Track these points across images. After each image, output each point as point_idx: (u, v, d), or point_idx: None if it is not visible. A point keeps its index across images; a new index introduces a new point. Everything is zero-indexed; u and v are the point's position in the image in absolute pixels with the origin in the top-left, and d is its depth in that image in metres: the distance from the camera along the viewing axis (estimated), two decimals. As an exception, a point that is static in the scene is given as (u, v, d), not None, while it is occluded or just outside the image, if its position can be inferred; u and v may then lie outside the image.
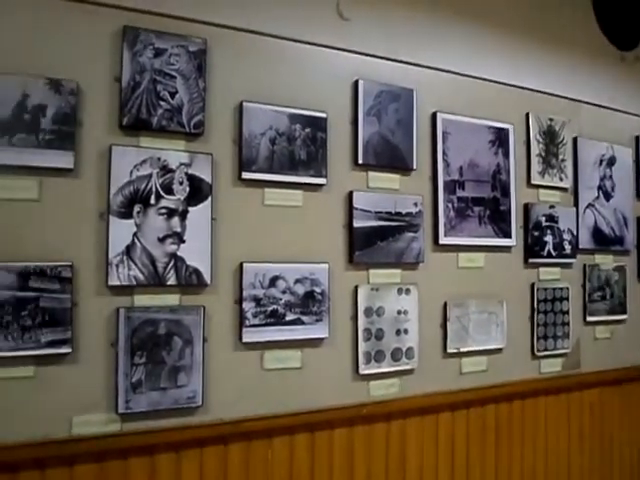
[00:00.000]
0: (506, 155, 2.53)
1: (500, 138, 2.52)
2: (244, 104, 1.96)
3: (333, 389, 2.10)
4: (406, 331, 2.22)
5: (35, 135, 1.69)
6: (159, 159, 1.82)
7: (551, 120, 2.69)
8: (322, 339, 2.07)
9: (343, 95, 2.19)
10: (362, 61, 2.24)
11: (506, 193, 2.52)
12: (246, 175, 1.95)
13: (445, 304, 2.35)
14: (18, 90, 1.68)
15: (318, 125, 2.07)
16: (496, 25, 2.58)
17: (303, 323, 2.00)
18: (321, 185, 2.09)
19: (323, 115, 2.08)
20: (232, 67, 1.99)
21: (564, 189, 2.76)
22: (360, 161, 2.16)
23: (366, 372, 2.14)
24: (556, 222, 2.66)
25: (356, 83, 2.19)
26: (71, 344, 1.71)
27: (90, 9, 1.81)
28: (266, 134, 1.98)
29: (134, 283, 1.77)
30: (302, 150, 2.04)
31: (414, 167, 2.28)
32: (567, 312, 2.69)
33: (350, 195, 2.14)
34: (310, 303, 2.02)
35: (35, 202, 1.71)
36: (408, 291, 2.23)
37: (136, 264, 1.77)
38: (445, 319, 2.35)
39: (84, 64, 1.79)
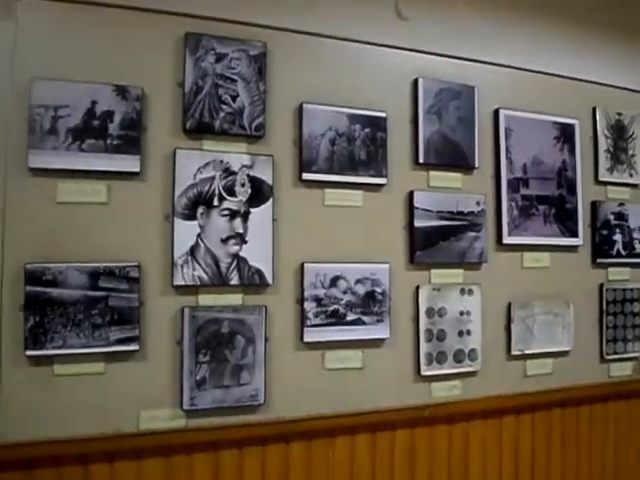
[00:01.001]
0: (572, 151, 2.45)
1: (565, 134, 2.44)
2: (304, 105, 1.97)
3: (394, 390, 2.09)
4: (469, 332, 2.18)
5: (103, 140, 1.76)
6: (221, 162, 1.86)
7: (619, 114, 2.59)
8: (383, 339, 2.06)
9: (403, 94, 2.17)
10: (421, 59, 2.22)
11: (572, 191, 2.43)
12: (306, 176, 1.96)
13: (509, 305, 2.29)
14: (87, 97, 1.76)
15: (378, 125, 2.06)
16: (560, 18, 2.50)
17: (364, 323, 2.00)
18: (381, 185, 2.08)
19: (383, 115, 2.07)
20: (292, 69, 2.01)
21: (634, 186, 2.64)
22: (421, 160, 2.14)
23: (428, 373, 2.11)
24: (626, 220, 2.56)
25: (416, 82, 2.16)
26: (138, 342, 1.76)
27: (153, 17, 1.87)
28: (326, 135, 1.99)
29: (198, 283, 1.82)
30: (362, 150, 2.03)
31: (476, 165, 2.24)
32: (638, 314, 2.57)
33: (411, 195, 2.12)
34: (371, 303, 2.01)
35: (104, 205, 1.78)
36: (471, 291, 2.19)
37: (200, 264, 1.82)
38: (509, 320, 2.29)
39: (148, 70, 1.85)
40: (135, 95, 1.79)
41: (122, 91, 1.78)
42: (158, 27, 1.87)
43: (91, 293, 1.72)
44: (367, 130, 2.04)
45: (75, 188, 1.75)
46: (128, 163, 1.77)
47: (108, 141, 1.76)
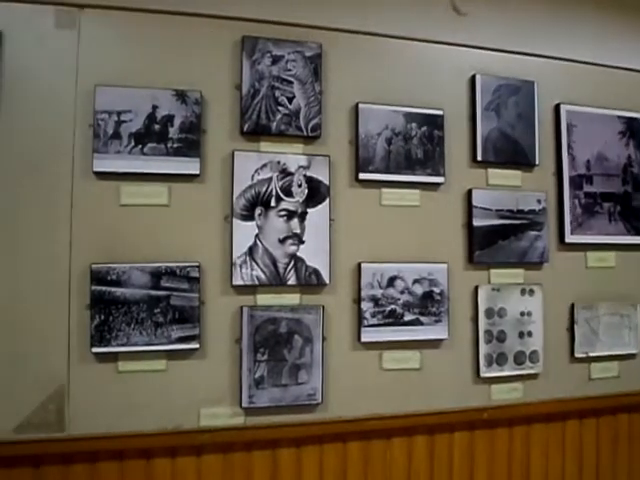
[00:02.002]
0: (638, 147, 2.35)
1: (631, 128, 2.34)
2: (360, 105, 1.97)
3: (453, 391, 2.06)
4: (530, 334, 2.12)
5: (164, 144, 1.81)
6: (279, 162, 1.88)
7: (689, 107, 2.46)
8: (441, 340, 2.03)
9: (460, 91, 2.14)
10: (479, 55, 2.17)
11: (639, 187, 2.33)
12: (363, 176, 1.96)
13: (572, 306, 2.22)
14: (148, 102, 1.81)
15: (434, 123, 2.04)
16: (623, 8, 2.40)
17: (422, 324, 1.98)
18: (439, 184, 2.05)
19: (439, 112, 2.05)
20: (347, 69, 2.01)
21: None
22: (479, 158, 2.10)
23: (487, 375, 2.07)
24: (696, 217, 2.43)
25: (473, 78, 2.13)
26: (199, 340, 1.80)
27: (211, 22, 1.91)
28: (382, 134, 1.98)
29: (256, 283, 1.84)
30: (419, 149, 2.01)
31: (537, 162, 2.18)
32: None
33: (469, 193, 2.08)
34: (429, 303, 1.99)
35: (165, 207, 1.83)
36: (532, 292, 2.13)
37: (258, 264, 1.84)
38: (572, 322, 2.22)
39: (207, 74, 1.89)
40: (194, 99, 1.83)
41: (181, 95, 1.82)
42: (215, 32, 1.91)
43: (153, 292, 1.76)
44: (424, 128, 2.02)
45: (138, 191, 1.80)
46: (188, 165, 1.81)
47: (169, 144, 1.80)
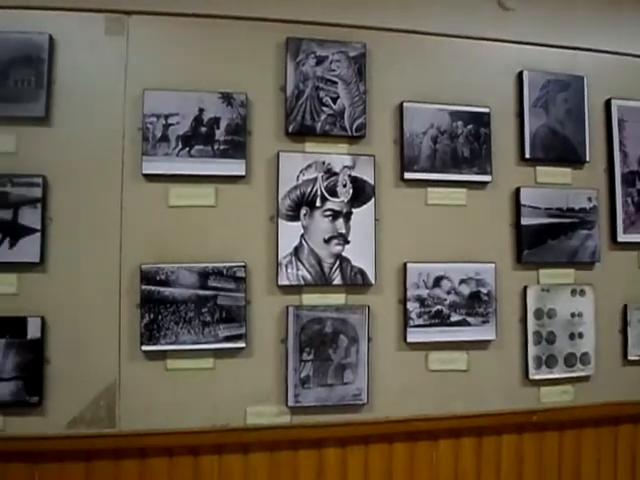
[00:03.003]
0: (693, 142, 2.26)
1: (686, 123, 2.25)
2: (404, 104, 1.95)
3: (501, 393, 2.02)
4: (581, 335, 2.06)
5: (211, 146, 1.83)
6: (323, 163, 1.88)
7: None
8: (489, 341, 2.00)
9: (507, 88, 2.10)
10: (526, 51, 2.13)
11: (695, 184, 2.25)
12: (408, 175, 1.94)
13: (625, 307, 2.15)
14: (195, 105, 1.84)
15: (481, 120, 2.01)
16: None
17: (469, 324, 1.95)
18: (486, 182, 2.02)
19: (486, 110, 2.02)
20: (391, 68, 2.00)
21: None
22: (527, 155, 2.06)
23: (537, 377, 2.02)
24: None
25: (520, 74, 2.09)
26: (245, 339, 1.82)
27: (255, 25, 1.93)
28: (427, 133, 1.96)
29: (302, 283, 1.85)
30: (465, 147, 1.98)
31: (587, 159, 2.12)
32: None
33: (517, 192, 2.04)
34: (476, 304, 1.96)
35: (212, 208, 1.85)
36: (583, 292, 2.07)
37: (304, 264, 1.85)
38: (625, 323, 2.15)
39: (252, 77, 1.91)
40: (240, 101, 1.85)
41: (227, 98, 1.85)
42: (260, 34, 1.93)
43: (201, 292, 1.79)
44: (470, 126, 1.99)
45: (185, 192, 1.83)
46: (234, 167, 1.83)
47: (215, 146, 1.83)
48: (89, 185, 1.81)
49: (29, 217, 1.75)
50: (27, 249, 1.75)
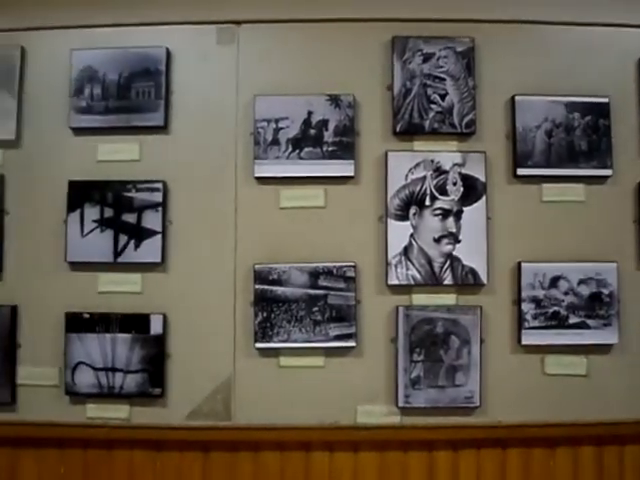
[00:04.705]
0: None
1: None
2: (516, 97, 1.89)
3: (625, 401, 1.89)
4: None
5: (320, 148, 1.86)
6: (432, 161, 1.86)
7: None
8: (611, 345, 1.88)
9: (627, 76, 1.97)
10: (647, 35, 1.99)
11: None
12: (521, 171, 1.87)
13: None
14: (304, 109, 1.88)
15: (599, 111, 1.90)
16: None
17: (588, 327, 1.85)
18: (606, 177, 1.90)
19: (605, 100, 1.90)
20: (501, 61, 1.94)
21: None
22: (652, 147, 1.92)
23: (664, 385, 1.89)
24: None
25: (642, 60, 1.96)
26: (355, 338, 1.83)
27: (360, 26, 1.94)
28: (541, 126, 1.88)
29: (412, 282, 1.84)
30: (582, 140, 1.88)
31: None
32: None
33: (640, 186, 1.92)
34: (596, 306, 1.85)
35: (322, 209, 1.89)
36: None
37: (413, 264, 1.83)
38: None
39: (358, 77, 1.92)
40: (347, 102, 1.87)
41: (335, 100, 1.87)
42: (365, 34, 1.94)
43: (312, 291, 1.83)
44: (587, 118, 1.89)
45: (295, 194, 1.88)
46: (343, 168, 1.85)
47: (324, 148, 1.86)
48: (205, 189, 1.90)
49: (151, 220, 1.87)
50: (150, 250, 1.86)
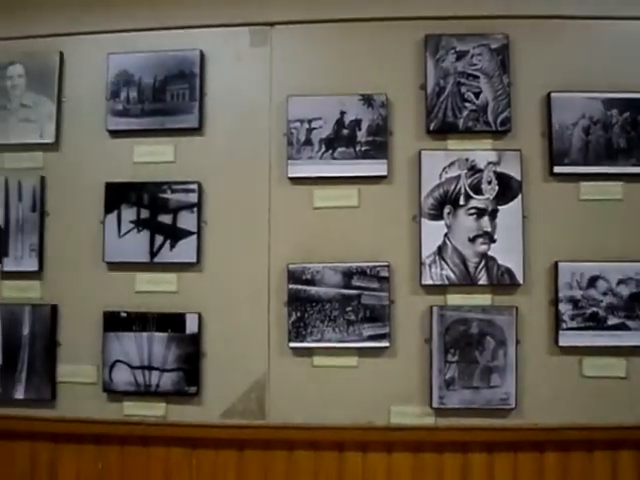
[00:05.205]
0: None
1: None
2: (552, 95, 1.86)
3: (665, 404, 1.85)
4: None
5: (353, 147, 1.86)
6: (467, 160, 1.84)
7: None
8: (652, 347, 1.84)
9: (667, 70, 1.92)
10: (690, 26, 1.93)
11: None
12: (558, 169, 1.84)
13: None
14: (337, 109, 1.88)
15: (638, 108, 1.85)
16: None
17: (628, 329, 1.80)
18: (645, 174, 1.86)
19: (644, 96, 1.86)
20: (537, 58, 1.91)
21: None
22: (694, 143, 1.87)
23: None
24: None
25: (683, 54, 1.90)
26: (389, 339, 1.83)
27: (393, 24, 1.93)
28: (578, 124, 1.85)
29: (446, 282, 1.82)
30: (621, 137, 1.84)
31: None
32: None
33: (684, 183, 1.86)
34: (636, 306, 1.81)
35: (355, 208, 1.89)
36: None
37: (448, 264, 1.82)
38: None
39: (391, 77, 1.92)
40: (380, 102, 1.87)
41: (368, 99, 1.87)
42: (398, 34, 1.93)
43: (345, 291, 1.83)
44: (626, 115, 1.85)
45: (329, 194, 1.89)
46: (376, 167, 1.85)
47: (357, 148, 1.86)
48: (239, 189, 1.92)
49: (186, 221, 1.89)
50: (185, 250, 1.89)
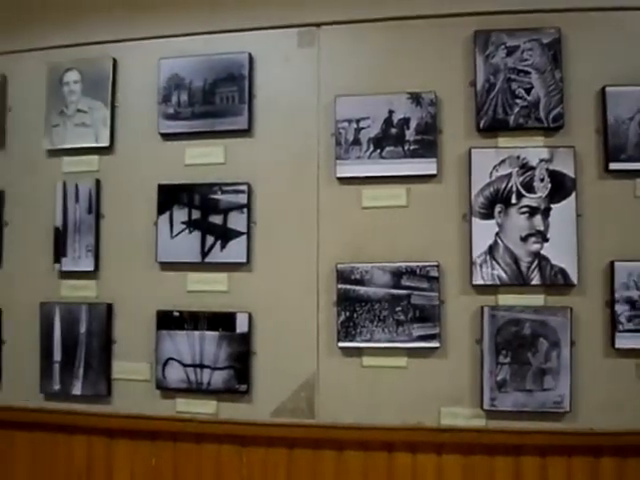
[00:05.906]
0: None
1: None
2: (607, 89, 1.80)
3: None
4: None
5: (401, 146, 1.85)
6: (518, 157, 1.81)
7: None
8: None
9: None
10: None
11: None
12: (614, 166, 1.79)
13: None
14: (385, 108, 1.88)
15: (700, 101, 1.78)
16: None
17: (690, 330, 1.74)
18: None
19: None
20: (590, 51, 1.85)
21: None
22: None
23: None
24: None
25: None
26: (439, 339, 1.81)
27: (441, 21, 1.91)
28: (635, 118, 1.79)
29: (498, 282, 1.79)
30: (681, 132, 1.78)
31: None
32: None
33: None
34: (697, 307, 1.74)
35: (404, 208, 1.87)
36: None
37: (499, 264, 1.79)
38: None
39: (439, 75, 1.90)
40: (428, 100, 1.85)
41: (416, 98, 1.86)
42: (445, 30, 1.91)
43: (394, 291, 1.82)
44: (686, 108, 1.78)
45: (378, 193, 1.88)
46: (425, 166, 1.83)
47: (406, 147, 1.85)
48: (288, 190, 1.94)
49: (236, 221, 1.92)
50: (235, 250, 1.92)
